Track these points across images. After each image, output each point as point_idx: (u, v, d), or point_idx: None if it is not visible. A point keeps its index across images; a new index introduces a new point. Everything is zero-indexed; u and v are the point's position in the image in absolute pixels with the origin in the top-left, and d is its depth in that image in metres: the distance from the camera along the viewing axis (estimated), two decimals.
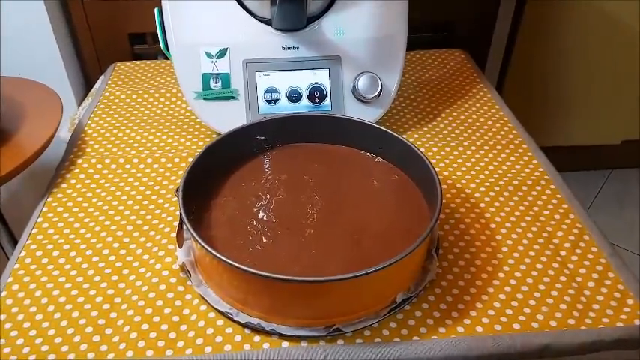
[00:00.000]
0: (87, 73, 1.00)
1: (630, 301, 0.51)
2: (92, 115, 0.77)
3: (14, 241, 0.77)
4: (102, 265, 0.54)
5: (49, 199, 0.62)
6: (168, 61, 0.90)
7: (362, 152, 0.64)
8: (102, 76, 0.88)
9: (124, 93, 0.82)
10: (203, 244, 0.47)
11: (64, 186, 0.64)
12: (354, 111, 0.69)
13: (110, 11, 0.92)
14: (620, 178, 1.51)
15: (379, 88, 0.68)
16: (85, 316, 0.49)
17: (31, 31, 0.91)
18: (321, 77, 0.69)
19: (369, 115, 0.70)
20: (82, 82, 1.01)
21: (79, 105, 0.97)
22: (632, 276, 0.54)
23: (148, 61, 0.91)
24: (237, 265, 0.45)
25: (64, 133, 0.80)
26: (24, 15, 0.90)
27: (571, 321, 0.49)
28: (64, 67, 0.94)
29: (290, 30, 0.68)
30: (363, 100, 0.69)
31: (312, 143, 0.65)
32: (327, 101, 0.69)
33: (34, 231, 0.58)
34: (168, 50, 0.69)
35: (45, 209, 0.61)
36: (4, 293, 0.51)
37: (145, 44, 0.97)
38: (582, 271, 0.54)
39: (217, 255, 0.46)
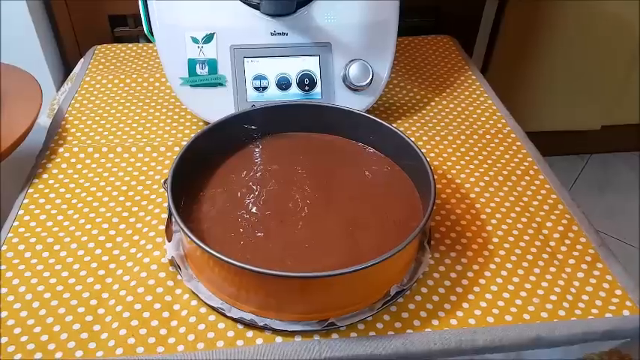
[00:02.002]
0: (65, 55, 0.96)
1: (619, 292, 0.52)
2: (72, 101, 0.75)
3: None
4: (87, 260, 0.53)
5: (30, 190, 0.60)
6: (151, 45, 0.87)
7: (353, 142, 0.63)
8: (82, 60, 0.85)
9: (106, 78, 0.79)
10: (194, 238, 0.45)
11: (45, 176, 0.62)
12: (345, 99, 0.68)
13: None
14: (600, 162, 1.54)
15: (370, 76, 0.67)
16: (72, 312, 0.48)
17: (7, 10, 0.87)
18: (311, 64, 0.68)
19: (359, 103, 0.69)
20: (60, 65, 0.98)
21: (57, 89, 0.94)
22: (620, 267, 0.55)
23: (130, 44, 0.88)
24: (228, 260, 0.44)
25: (43, 119, 0.77)
26: None
27: (561, 312, 0.50)
28: (41, 49, 0.90)
29: (279, 15, 0.67)
30: (354, 88, 0.68)
31: (302, 132, 0.63)
32: (318, 89, 0.68)
33: (16, 224, 0.56)
34: (152, 34, 0.67)
35: (26, 200, 0.59)
36: None
37: (127, 26, 0.93)
38: (571, 261, 0.55)
39: (208, 250, 0.45)
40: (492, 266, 0.54)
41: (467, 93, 0.80)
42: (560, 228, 0.59)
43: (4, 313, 0.48)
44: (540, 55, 1.27)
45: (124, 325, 0.47)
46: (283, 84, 0.67)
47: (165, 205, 0.59)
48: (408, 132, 0.72)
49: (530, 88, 1.33)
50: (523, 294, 0.51)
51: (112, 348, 0.45)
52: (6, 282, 0.50)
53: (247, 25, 0.66)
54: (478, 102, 0.78)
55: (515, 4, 1.13)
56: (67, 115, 0.72)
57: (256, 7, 0.66)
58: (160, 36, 0.66)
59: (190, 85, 0.66)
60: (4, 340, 0.46)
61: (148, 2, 0.65)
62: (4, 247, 0.54)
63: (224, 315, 0.48)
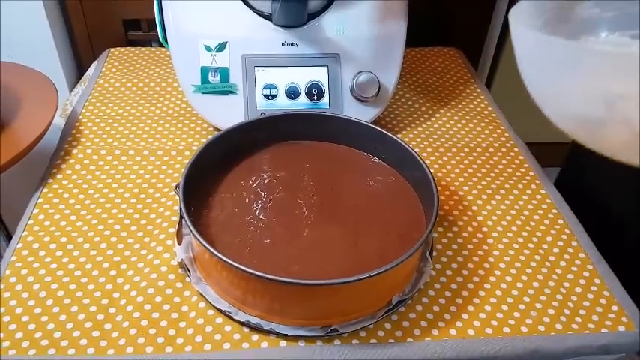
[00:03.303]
0: (79, 57, 0.98)
1: (615, 308, 0.53)
2: (86, 103, 0.76)
3: (5, 230, 0.77)
4: (100, 260, 0.54)
5: (45, 190, 0.62)
6: (164, 49, 0.89)
7: (359, 151, 0.64)
8: (95, 62, 0.87)
9: (119, 81, 0.81)
10: (204, 243, 0.47)
11: (59, 177, 0.64)
12: (352, 109, 0.70)
13: None
14: None
15: (377, 87, 0.69)
16: (84, 310, 0.50)
17: (24, 12, 0.89)
18: (320, 75, 0.69)
19: (366, 114, 0.70)
20: (74, 66, 1.00)
21: (70, 89, 0.96)
22: (617, 283, 0.56)
23: (143, 48, 0.89)
24: (236, 265, 0.45)
25: (56, 119, 0.79)
26: None
27: (558, 326, 0.51)
28: (56, 50, 0.92)
29: (290, 26, 0.68)
30: (361, 99, 0.70)
31: (310, 141, 0.65)
32: (326, 99, 0.69)
33: (30, 222, 0.58)
34: (166, 42, 0.68)
35: (40, 200, 0.61)
36: (1, 286, 0.51)
37: (140, 30, 0.95)
38: (570, 276, 0.56)
39: (217, 254, 0.46)
40: (492, 278, 0.56)
41: (471, 106, 0.81)
42: (560, 243, 0.60)
43: (18, 309, 0.49)
44: None
45: (134, 325, 0.49)
46: (292, 93, 0.69)
47: (176, 208, 0.61)
48: (413, 143, 0.73)
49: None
50: (521, 307, 0.53)
51: (123, 346, 0.47)
52: (21, 279, 0.52)
53: (259, 35, 0.68)
54: (482, 115, 0.80)
55: None
56: (80, 117, 0.74)
57: (268, 18, 0.68)
58: (174, 44, 0.68)
59: (202, 92, 0.68)
60: (19, 335, 0.47)
61: (164, 11, 0.67)
62: (19, 245, 0.55)
63: (231, 318, 0.49)
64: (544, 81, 0.38)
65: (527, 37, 0.37)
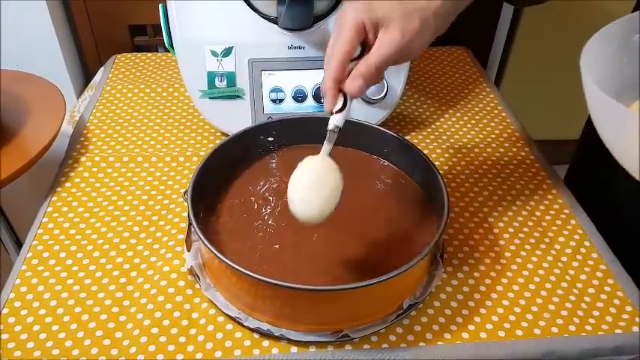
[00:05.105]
0: (85, 62, 0.98)
1: (629, 308, 0.53)
2: (94, 110, 0.77)
3: (15, 237, 0.77)
4: (109, 267, 0.54)
5: (54, 199, 0.62)
6: (170, 54, 0.89)
7: (367, 154, 0.64)
8: (102, 68, 0.87)
9: (126, 87, 0.81)
10: (214, 251, 0.47)
11: (68, 185, 0.64)
12: (360, 112, 0.69)
13: (111, 2, 0.91)
14: None
15: (385, 89, 0.68)
16: (95, 319, 0.50)
17: (30, 18, 0.89)
18: None
19: (374, 116, 0.70)
20: (81, 73, 1.00)
21: (77, 95, 0.96)
22: (631, 283, 0.55)
23: (149, 54, 0.90)
24: (246, 271, 0.45)
25: (64, 126, 0.79)
26: (22, 2, 0.88)
27: (572, 327, 0.51)
28: (62, 57, 0.93)
29: (296, 29, 0.68)
30: (369, 101, 0.69)
31: (317, 144, 0.64)
32: None
33: (40, 231, 0.58)
34: (173, 48, 0.68)
35: (50, 209, 0.61)
36: (12, 295, 0.51)
37: (146, 36, 0.95)
38: (583, 277, 0.56)
39: (227, 261, 0.46)
40: (504, 280, 0.55)
41: (481, 105, 0.81)
42: (573, 243, 0.59)
43: (29, 319, 0.49)
44: (554, 66, 1.27)
45: (144, 333, 0.48)
46: (299, 96, 0.69)
47: (185, 214, 0.61)
48: (422, 144, 0.73)
49: (544, 97, 1.33)
50: (534, 309, 0.52)
51: (134, 354, 0.47)
52: (31, 288, 0.52)
53: (265, 39, 0.68)
54: (492, 115, 0.79)
55: (529, 18, 1.14)
56: (88, 124, 0.74)
57: (274, 21, 0.68)
58: (180, 49, 0.68)
59: (209, 97, 0.68)
60: (31, 345, 0.47)
61: (170, 17, 0.67)
62: (29, 254, 0.55)
63: (241, 324, 0.49)
64: (600, 126, 0.42)
65: (591, 90, 0.40)
